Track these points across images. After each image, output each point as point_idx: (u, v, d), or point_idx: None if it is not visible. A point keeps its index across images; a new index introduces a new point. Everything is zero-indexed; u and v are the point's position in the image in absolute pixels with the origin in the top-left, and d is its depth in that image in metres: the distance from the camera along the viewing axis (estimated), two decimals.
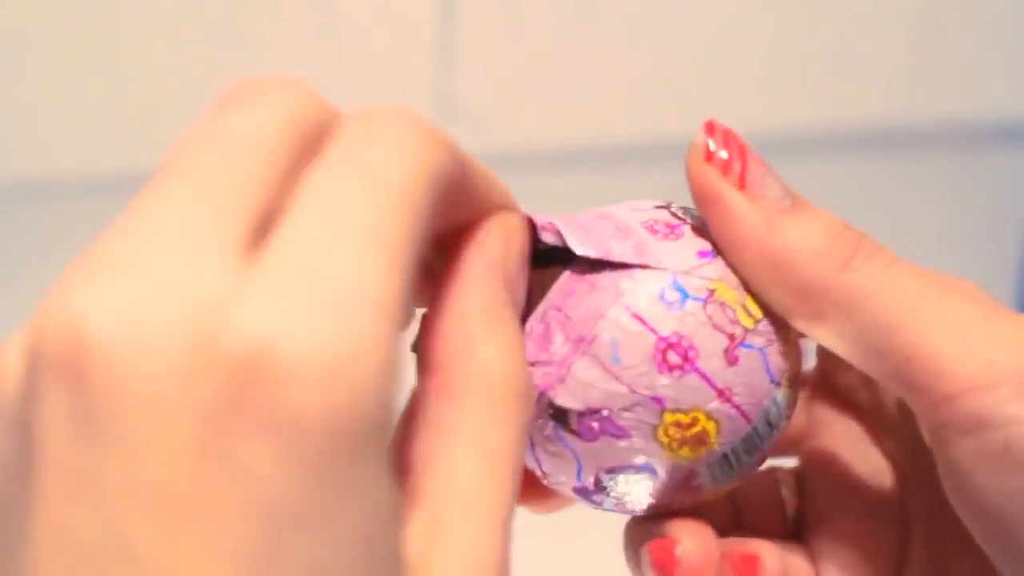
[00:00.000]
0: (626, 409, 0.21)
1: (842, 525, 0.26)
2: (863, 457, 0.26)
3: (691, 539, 0.24)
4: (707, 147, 0.22)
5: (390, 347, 0.15)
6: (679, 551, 0.23)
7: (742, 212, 0.22)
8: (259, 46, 0.60)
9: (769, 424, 0.22)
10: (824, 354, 0.27)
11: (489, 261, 0.20)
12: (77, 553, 0.15)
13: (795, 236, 0.21)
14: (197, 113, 0.19)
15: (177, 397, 0.15)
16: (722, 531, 0.25)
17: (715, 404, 0.21)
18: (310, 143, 0.17)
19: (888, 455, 0.26)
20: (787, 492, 0.27)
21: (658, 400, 0.21)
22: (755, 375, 0.22)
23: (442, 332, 0.19)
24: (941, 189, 0.69)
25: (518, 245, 0.21)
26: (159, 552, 0.14)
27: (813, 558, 0.26)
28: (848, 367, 0.23)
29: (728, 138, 0.23)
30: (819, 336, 0.22)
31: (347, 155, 0.17)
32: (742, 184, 0.22)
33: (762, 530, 0.27)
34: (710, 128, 0.23)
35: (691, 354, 0.21)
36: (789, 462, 0.28)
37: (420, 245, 0.17)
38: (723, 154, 0.22)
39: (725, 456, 0.22)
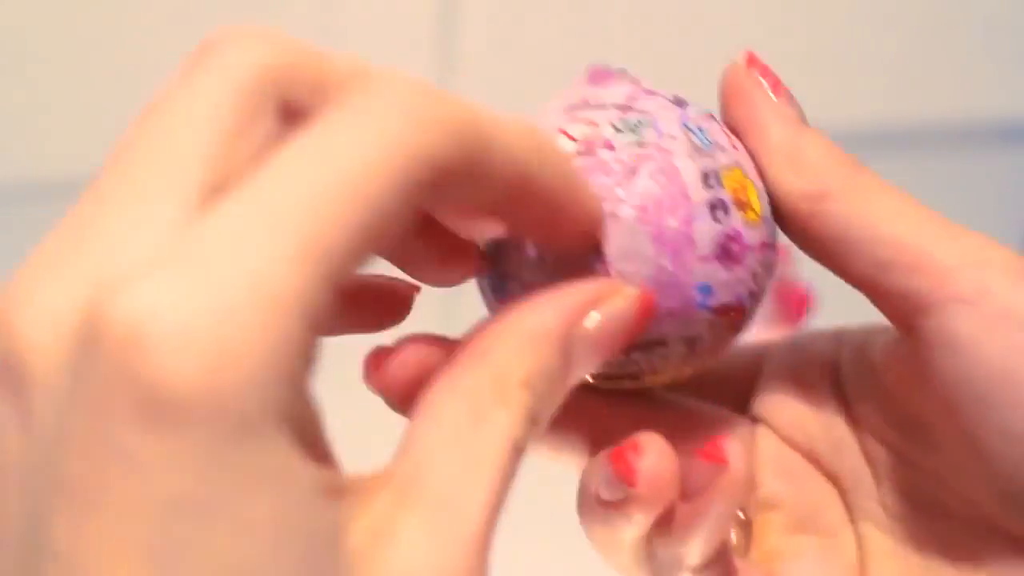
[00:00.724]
0: None
1: (797, 555, 0.26)
2: (803, 483, 0.27)
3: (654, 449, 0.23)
4: (749, 61, 0.25)
5: (281, 338, 0.15)
6: (642, 464, 0.22)
7: (771, 113, 0.25)
8: None
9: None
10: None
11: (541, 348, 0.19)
12: (18, 550, 0.15)
13: (815, 138, 0.24)
14: None
15: (69, 383, 0.14)
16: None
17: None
18: (281, 93, 0.17)
19: (820, 466, 0.27)
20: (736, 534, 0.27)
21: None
22: None
23: (438, 395, 0.18)
24: (941, 189, 0.69)
25: (598, 333, 0.20)
26: (78, 548, 0.14)
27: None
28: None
29: (766, 66, 0.26)
30: (821, 214, 0.23)
31: (317, 131, 0.16)
32: (776, 90, 0.25)
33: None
34: (750, 54, 0.26)
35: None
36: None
37: (373, 241, 0.16)
38: (761, 70, 0.26)
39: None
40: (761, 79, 0.25)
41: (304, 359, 0.15)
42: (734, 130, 0.25)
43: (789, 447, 0.27)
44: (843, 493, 0.26)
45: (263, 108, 0.17)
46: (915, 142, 0.69)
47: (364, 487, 0.16)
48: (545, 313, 0.19)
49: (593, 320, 0.20)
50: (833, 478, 0.26)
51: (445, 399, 0.18)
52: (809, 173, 0.24)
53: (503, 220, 0.20)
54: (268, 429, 0.15)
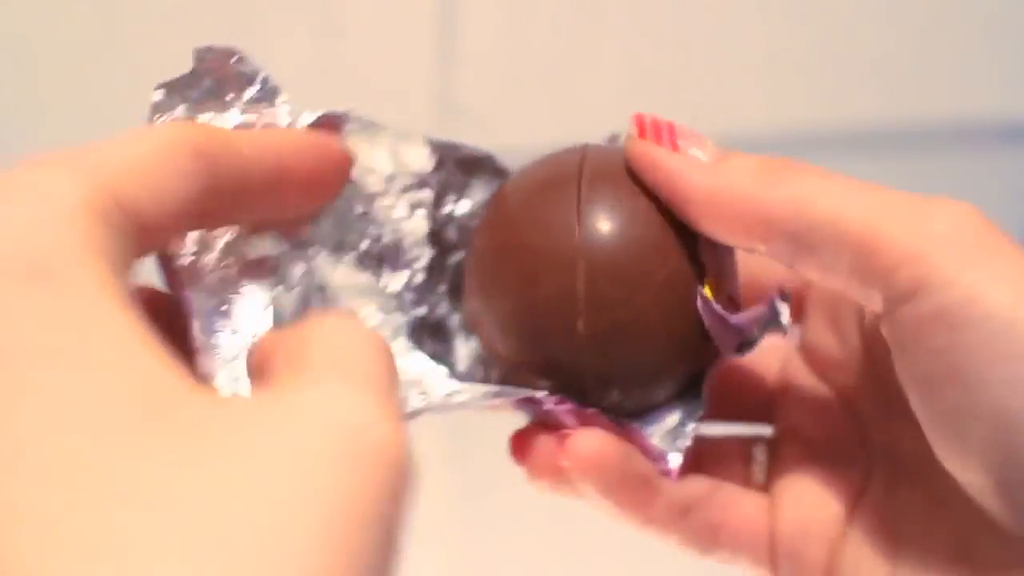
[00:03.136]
0: None
1: (803, 471, 0.27)
2: (830, 415, 0.28)
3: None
4: (640, 127, 0.25)
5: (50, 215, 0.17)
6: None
7: (682, 166, 0.24)
8: (260, 46, 0.60)
9: None
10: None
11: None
12: None
13: (732, 171, 0.23)
14: None
15: None
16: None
17: None
18: None
19: (850, 402, 0.28)
20: (760, 456, 0.28)
21: None
22: None
23: None
24: (941, 189, 0.69)
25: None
26: None
27: (772, 505, 0.28)
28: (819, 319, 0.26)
29: (656, 120, 0.25)
30: (773, 251, 0.23)
31: None
32: (675, 148, 0.24)
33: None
34: (637, 117, 0.25)
35: None
36: (765, 430, 0.29)
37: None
38: (652, 128, 0.25)
39: None
40: (654, 145, 0.24)
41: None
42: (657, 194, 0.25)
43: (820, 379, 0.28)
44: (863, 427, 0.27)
45: None
46: (915, 142, 0.69)
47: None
48: None
49: None
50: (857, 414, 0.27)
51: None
52: (742, 210, 0.23)
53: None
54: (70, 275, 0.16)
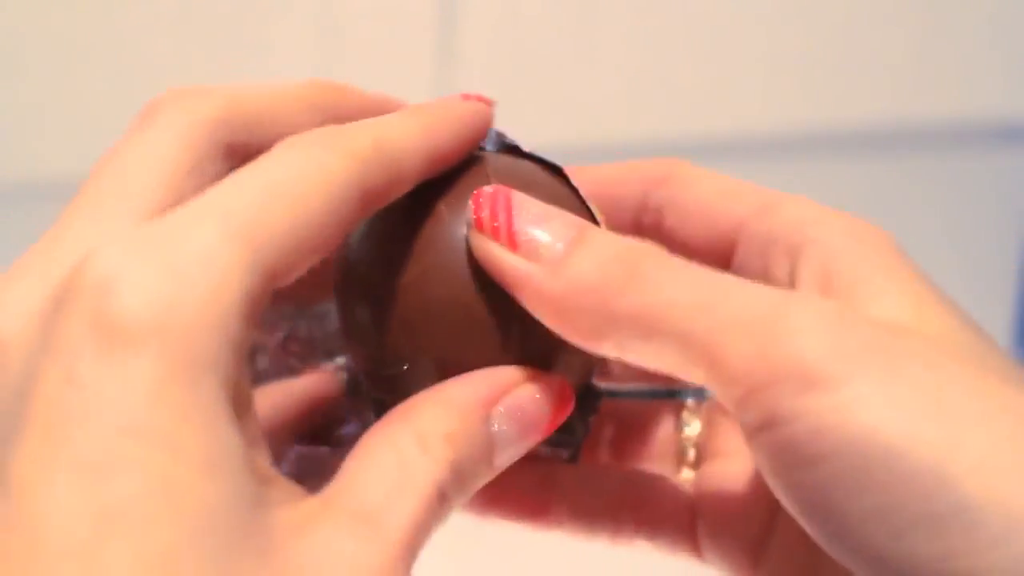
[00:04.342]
0: None
1: (733, 466, 0.27)
2: None
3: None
4: (477, 217, 0.22)
5: (223, 303, 0.17)
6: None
7: (523, 272, 0.21)
8: (260, 46, 0.60)
9: None
10: None
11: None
12: None
13: (574, 274, 0.21)
14: None
15: (41, 339, 0.17)
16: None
17: None
18: (225, 138, 0.20)
19: None
20: (690, 422, 0.28)
21: None
22: None
23: None
24: (941, 189, 0.69)
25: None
26: (27, 471, 0.16)
27: (696, 491, 0.27)
28: None
29: (494, 201, 0.22)
30: (632, 361, 0.21)
31: (258, 162, 0.19)
32: (512, 244, 0.21)
33: (642, 454, 0.28)
34: (475, 198, 0.22)
35: None
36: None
37: (307, 245, 0.19)
38: (488, 218, 0.22)
39: None
40: (493, 244, 0.22)
41: (242, 334, 0.18)
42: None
43: None
44: None
45: (210, 152, 0.20)
46: (915, 142, 0.69)
47: (292, 494, 0.18)
48: (470, 385, 0.21)
49: (514, 398, 0.22)
50: None
51: (372, 449, 0.20)
52: (586, 326, 0.21)
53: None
54: (207, 376, 0.17)
